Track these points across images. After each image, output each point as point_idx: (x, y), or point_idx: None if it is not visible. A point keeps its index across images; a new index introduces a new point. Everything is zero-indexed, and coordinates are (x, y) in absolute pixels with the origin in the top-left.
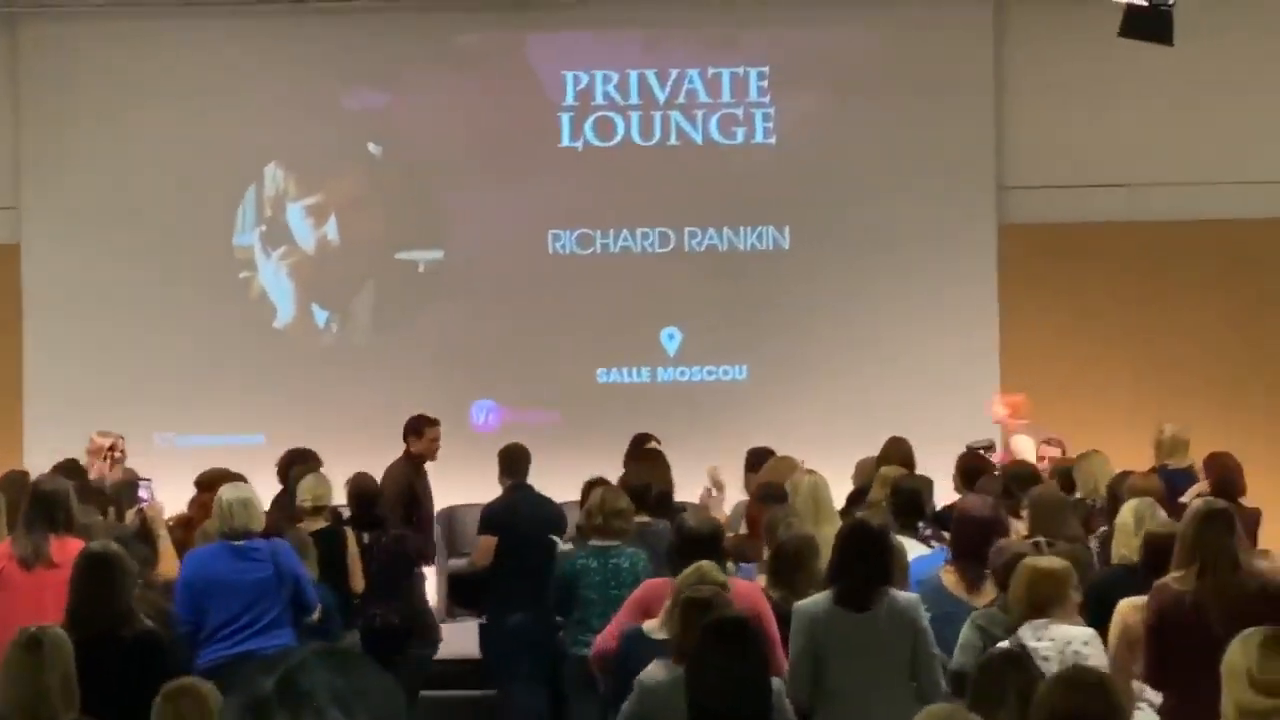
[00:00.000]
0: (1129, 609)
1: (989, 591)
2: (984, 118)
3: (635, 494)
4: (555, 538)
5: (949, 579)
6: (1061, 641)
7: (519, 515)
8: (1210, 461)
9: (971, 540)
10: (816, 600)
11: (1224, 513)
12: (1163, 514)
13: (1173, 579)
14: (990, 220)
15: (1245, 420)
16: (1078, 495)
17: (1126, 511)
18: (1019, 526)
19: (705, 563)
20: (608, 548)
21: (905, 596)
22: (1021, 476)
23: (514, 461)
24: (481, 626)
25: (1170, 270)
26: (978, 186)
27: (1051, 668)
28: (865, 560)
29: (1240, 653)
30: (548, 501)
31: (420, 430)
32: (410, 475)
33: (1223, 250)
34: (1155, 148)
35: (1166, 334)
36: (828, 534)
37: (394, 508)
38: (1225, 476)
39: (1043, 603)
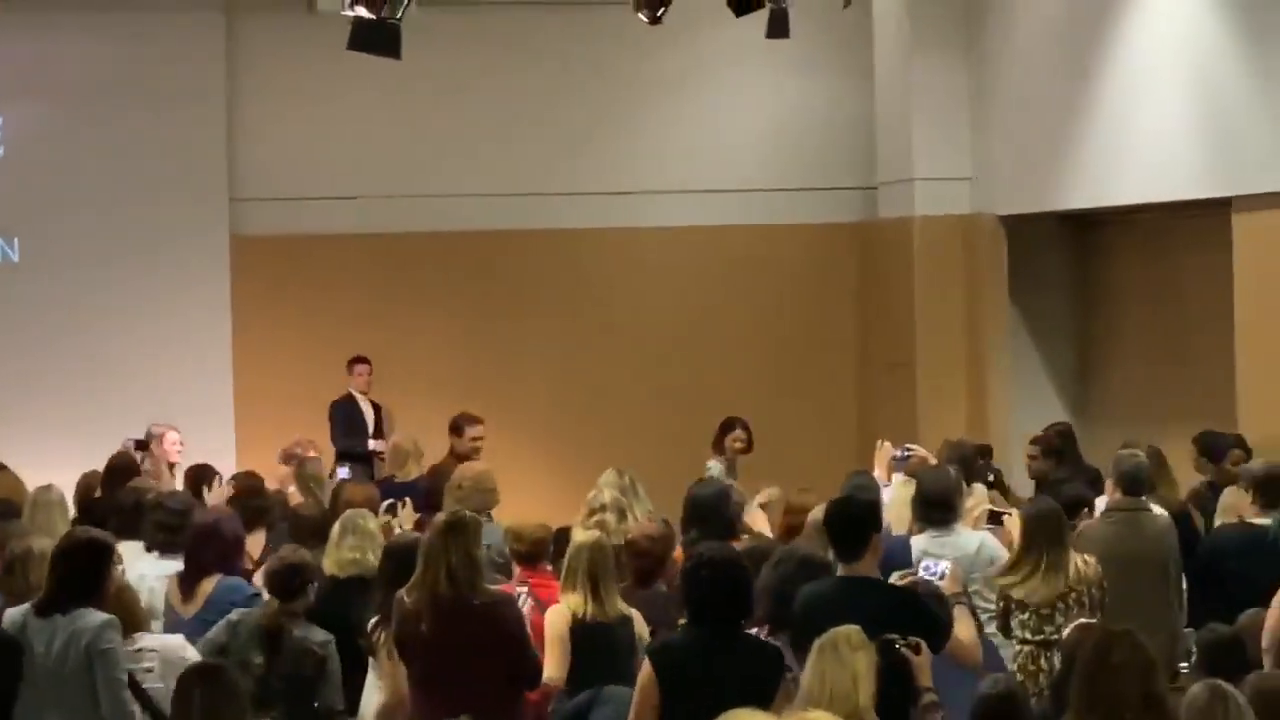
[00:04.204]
0: None
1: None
2: (216, 128)
3: None
4: None
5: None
6: None
7: None
8: (432, 470)
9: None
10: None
11: (460, 523)
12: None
13: (406, 590)
14: (222, 232)
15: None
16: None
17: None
18: None
19: None
20: None
21: (92, 617)
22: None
23: None
24: None
25: (401, 282)
26: (209, 198)
27: None
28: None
29: None
30: None
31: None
32: None
33: (451, 262)
34: (385, 160)
35: (398, 346)
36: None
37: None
38: (438, 485)
39: None
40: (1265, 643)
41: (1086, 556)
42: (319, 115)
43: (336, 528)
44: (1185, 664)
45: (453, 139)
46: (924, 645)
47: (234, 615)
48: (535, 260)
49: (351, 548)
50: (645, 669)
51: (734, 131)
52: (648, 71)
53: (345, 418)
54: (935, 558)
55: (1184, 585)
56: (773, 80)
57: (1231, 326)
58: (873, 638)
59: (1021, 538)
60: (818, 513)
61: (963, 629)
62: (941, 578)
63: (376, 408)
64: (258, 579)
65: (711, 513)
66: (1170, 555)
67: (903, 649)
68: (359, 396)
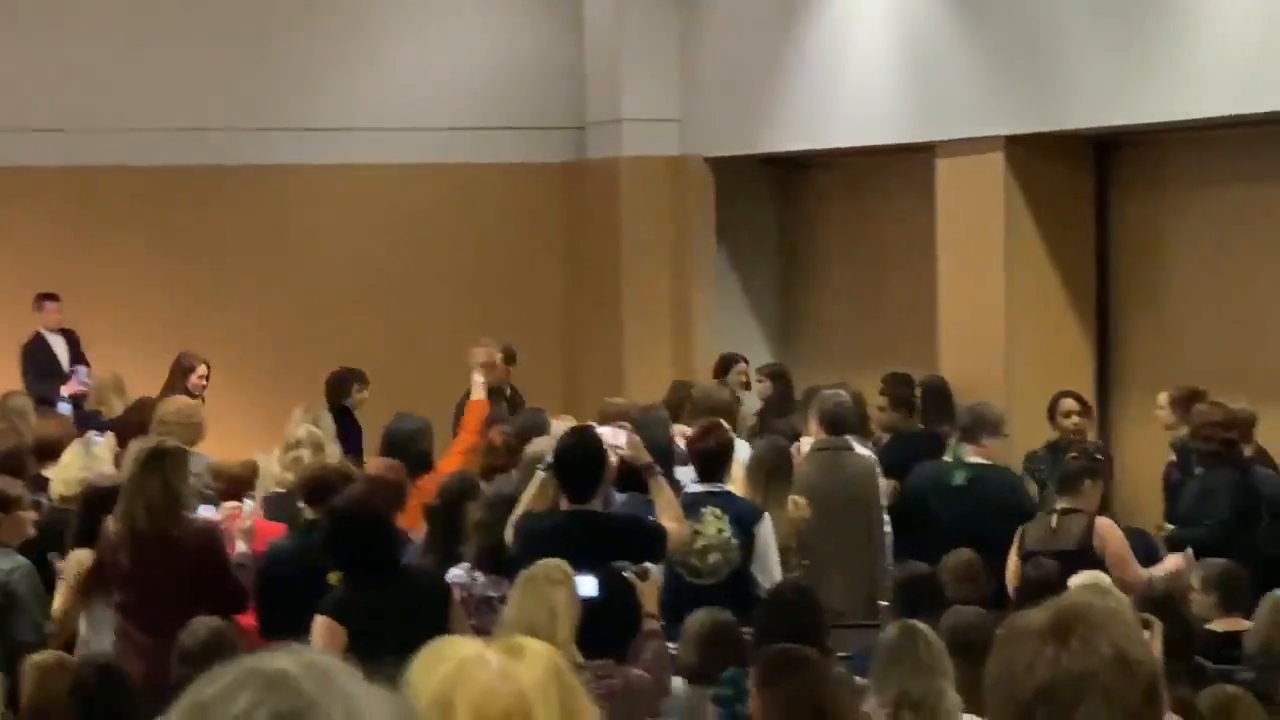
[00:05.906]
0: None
1: None
2: None
3: None
4: None
5: None
6: None
7: None
8: (136, 405)
9: None
10: None
11: (160, 454)
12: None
13: (111, 519)
14: None
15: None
16: None
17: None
18: None
19: None
20: None
21: None
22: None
23: None
24: None
25: (99, 217)
26: None
27: None
28: None
29: None
30: None
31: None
32: None
33: (151, 197)
34: (83, 93)
35: (97, 282)
36: None
37: None
38: (135, 420)
39: None
40: (1010, 586)
41: (797, 498)
42: (10, 44)
43: (67, 453)
44: (886, 601)
45: (152, 71)
46: (651, 570)
47: None
48: (238, 196)
49: (81, 468)
50: (322, 625)
51: (443, 69)
52: (357, 6)
53: (36, 360)
54: None
55: (886, 523)
56: (482, 18)
57: (933, 269)
58: (599, 567)
59: (746, 477)
60: (539, 446)
61: (667, 517)
62: (621, 448)
63: (71, 337)
64: None
65: (405, 448)
66: (872, 494)
67: (629, 576)
68: (49, 334)
